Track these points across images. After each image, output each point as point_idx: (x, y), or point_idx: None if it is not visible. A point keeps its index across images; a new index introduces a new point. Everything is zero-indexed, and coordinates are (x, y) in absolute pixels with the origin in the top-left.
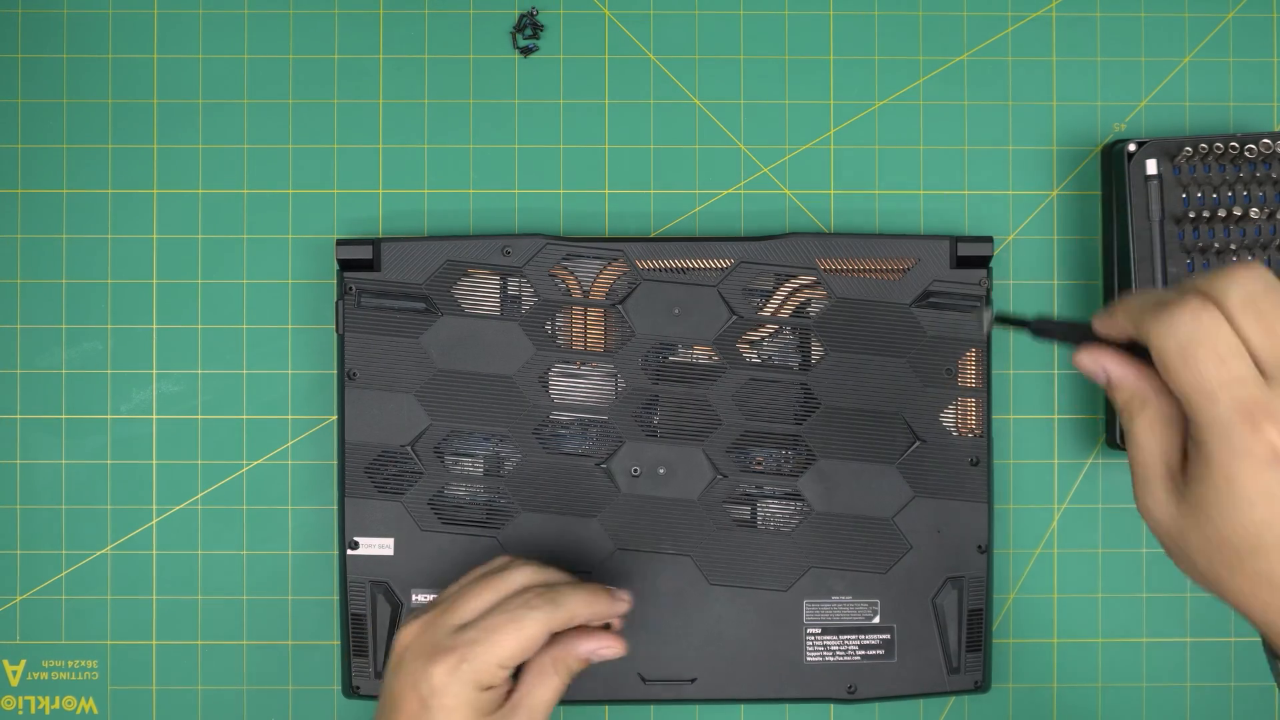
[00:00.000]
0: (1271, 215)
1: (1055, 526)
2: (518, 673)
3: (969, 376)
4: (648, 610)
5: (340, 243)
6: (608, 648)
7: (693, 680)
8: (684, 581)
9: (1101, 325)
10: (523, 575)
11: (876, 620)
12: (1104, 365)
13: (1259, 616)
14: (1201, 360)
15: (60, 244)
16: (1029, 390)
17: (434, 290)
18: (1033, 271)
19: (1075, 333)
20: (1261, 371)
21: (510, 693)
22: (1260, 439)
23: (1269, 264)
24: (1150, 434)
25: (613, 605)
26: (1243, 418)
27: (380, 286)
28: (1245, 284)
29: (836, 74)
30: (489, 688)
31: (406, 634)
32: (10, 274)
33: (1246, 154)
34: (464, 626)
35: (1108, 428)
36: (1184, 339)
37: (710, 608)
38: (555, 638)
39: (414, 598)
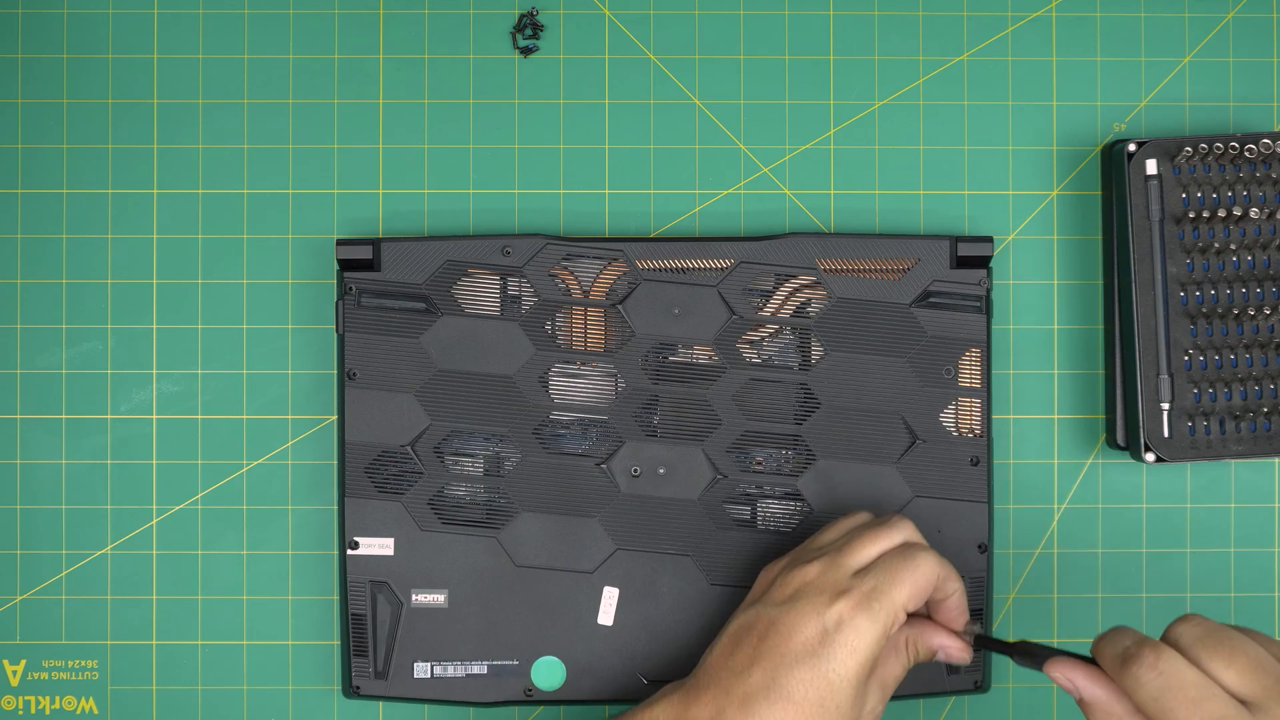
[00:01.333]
0: (1271, 215)
1: (1055, 526)
2: None
3: (969, 376)
4: (648, 610)
5: (340, 243)
6: (959, 651)
7: None
8: (684, 581)
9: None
10: (906, 529)
11: None
12: (1075, 682)
13: None
14: (1175, 707)
15: (60, 244)
16: (1029, 390)
17: (434, 290)
18: (1033, 271)
19: (1058, 653)
20: (1243, 703)
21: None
22: None
23: (1268, 264)
24: None
25: (966, 609)
26: None
27: (380, 286)
28: (1191, 627)
29: (836, 74)
30: (889, 633)
31: (809, 571)
32: (10, 274)
33: (1246, 154)
34: (861, 572)
35: (1108, 428)
36: (1154, 690)
37: (710, 608)
38: (912, 619)
39: (414, 597)
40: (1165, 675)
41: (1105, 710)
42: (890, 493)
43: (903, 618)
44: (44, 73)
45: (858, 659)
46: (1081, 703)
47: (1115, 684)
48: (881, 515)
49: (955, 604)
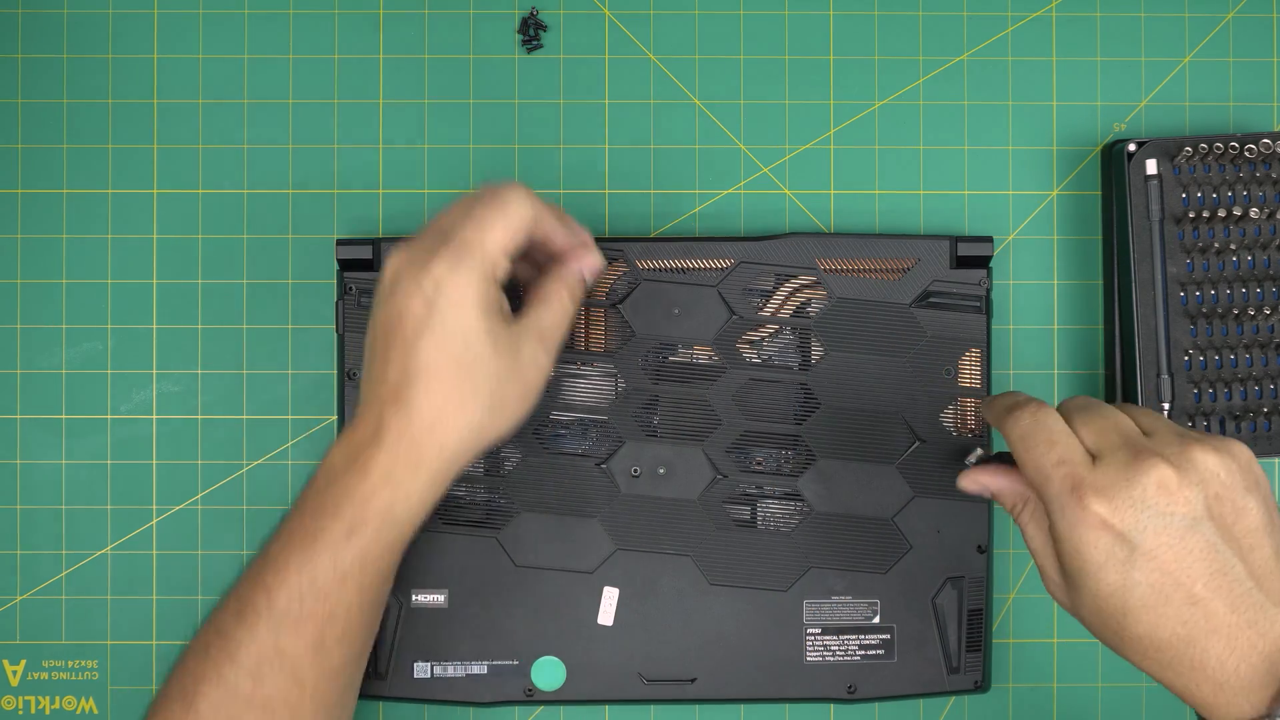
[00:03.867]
0: (1271, 215)
1: None
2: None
3: (969, 376)
4: (648, 610)
5: (340, 243)
6: (593, 257)
7: (693, 680)
8: (684, 581)
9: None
10: (511, 188)
11: (876, 620)
12: (982, 482)
13: (1159, 677)
14: (1035, 444)
15: (60, 244)
16: (1029, 390)
17: None
18: (1033, 271)
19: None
20: (1091, 455)
21: (521, 316)
22: (1087, 509)
23: (1268, 264)
24: (1034, 525)
25: (580, 230)
26: (1070, 492)
27: None
28: (1078, 400)
29: (836, 74)
30: (494, 280)
31: (394, 260)
32: (10, 274)
33: (1246, 154)
34: (451, 230)
35: None
36: (1024, 430)
37: (710, 608)
38: (552, 272)
39: (414, 598)
40: (1036, 419)
41: (1011, 492)
42: (890, 493)
43: (504, 260)
44: (44, 73)
45: (466, 309)
46: (995, 497)
47: (1012, 471)
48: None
49: (561, 237)
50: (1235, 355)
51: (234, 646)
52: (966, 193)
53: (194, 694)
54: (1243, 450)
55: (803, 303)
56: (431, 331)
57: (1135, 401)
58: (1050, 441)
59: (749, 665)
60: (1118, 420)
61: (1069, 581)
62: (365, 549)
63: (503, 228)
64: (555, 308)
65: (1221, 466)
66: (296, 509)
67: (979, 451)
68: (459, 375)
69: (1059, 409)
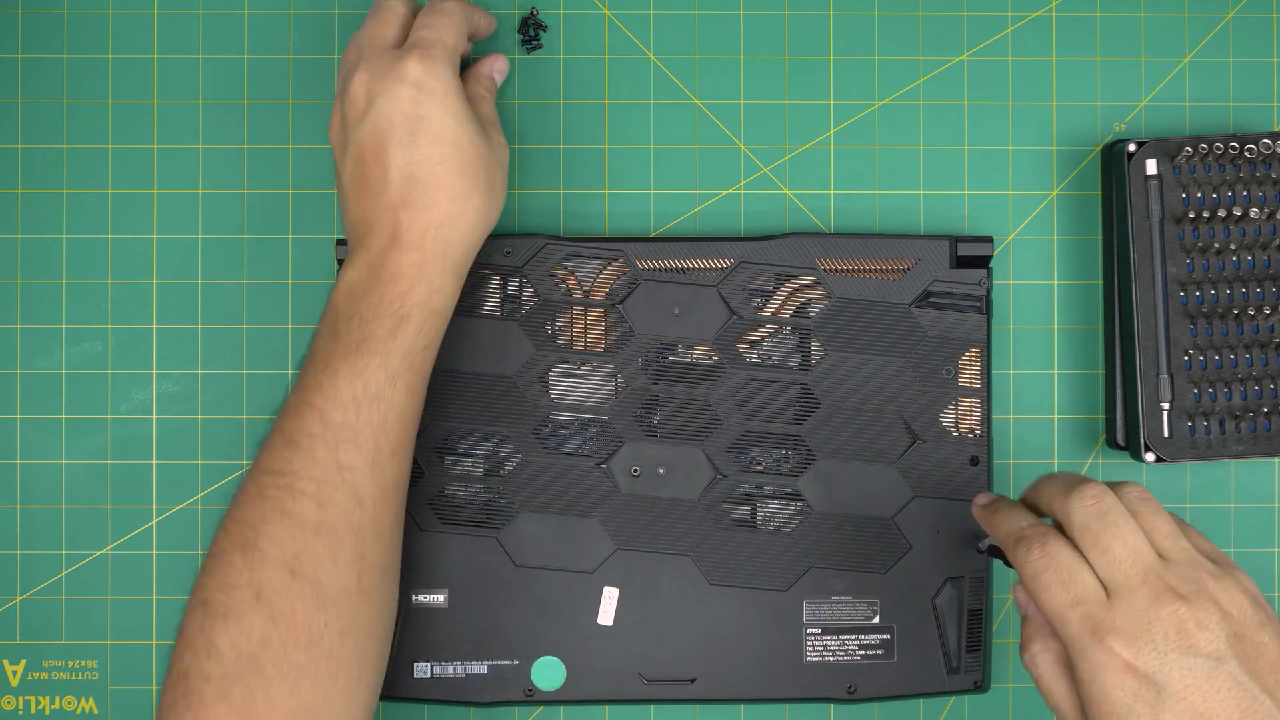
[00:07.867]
0: (1271, 215)
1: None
2: None
3: (969, 376)
4: (648, 610)
5: (340, 243)
6: (501, 61)
7: (693, 680)
8: (684, 581)
9: None
10: None
11: (876, 620)
12: (1020, 600)
13: None
14: (1049, 584)
15: (60, 244)
16: (1029, 390)
17: None
18: (1033, 271)
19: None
20: (1106, 589)
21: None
22: (1110, 652)
23: (1268, 264)
24: (1051, 665)
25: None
26: (1091, 635)
27: None
28: (1086, 506)
29: (836, 74)
30: (455, 72)
31: (359, 78)
32: (10, 274)
33: (1246, 154)
34: (397, 40)
35: (1108, 428)
36: (1034, 568)
37: (710, 608)
38: (469, 74)
39: (414, 598)
40: (1045, 554)
41: (1035, 623)
42: (890, 492)
43: (458, 57)
44: (44, 73)
45: (453, 100)
46: (1023, 617)
47: None
48: None
49: (483, 32)
50: (1235, 355)
51: (291, 477)
52: (966, 193)
53: (254, 537)
54: (1250, 582)
55: (803, 303)
56: (428, 128)
57: (1135, 401)
58: (1063, 582)
59: (749, 665)
60: (1132, 544)
61: None
62: (411, 344)
63: (453, 26)
64: (487, 105)
65: (1235, 604)
66: (324, 336)
67: (991, 542)
68: (462, 166)
69: (1067, 518)
